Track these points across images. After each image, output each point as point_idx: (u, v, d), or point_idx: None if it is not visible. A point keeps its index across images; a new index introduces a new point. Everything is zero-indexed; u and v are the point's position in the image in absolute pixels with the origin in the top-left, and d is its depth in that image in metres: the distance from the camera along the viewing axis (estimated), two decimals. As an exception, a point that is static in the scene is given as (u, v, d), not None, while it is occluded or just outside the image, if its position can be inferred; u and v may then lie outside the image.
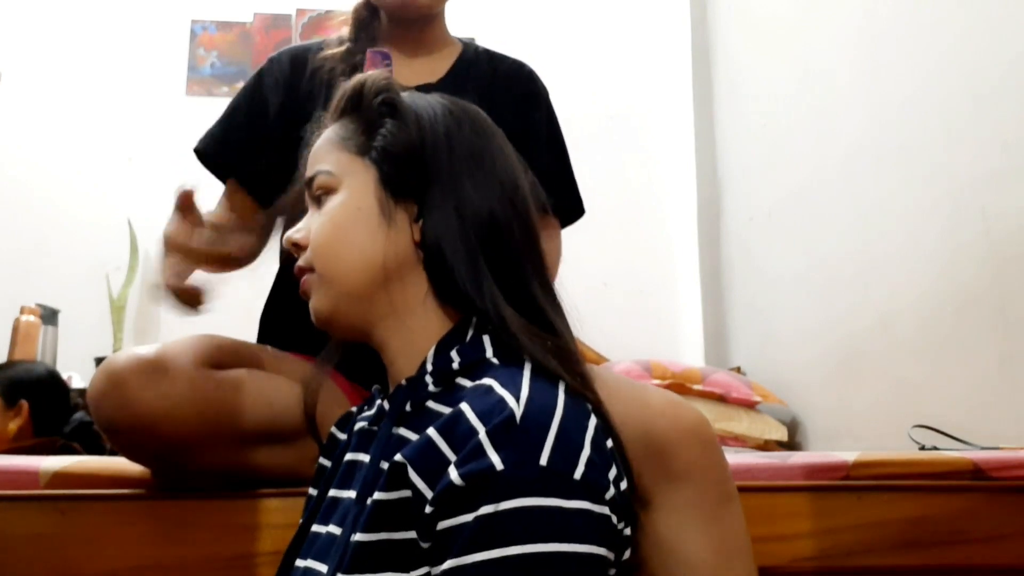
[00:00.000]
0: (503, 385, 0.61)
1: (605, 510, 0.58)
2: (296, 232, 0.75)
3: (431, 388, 0.67)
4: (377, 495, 0.61)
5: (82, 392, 2.33)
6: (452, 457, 0.58)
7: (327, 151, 0.75)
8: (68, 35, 3.02)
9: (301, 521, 0.77)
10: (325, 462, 0.79)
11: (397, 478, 0.59)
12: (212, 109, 3.42)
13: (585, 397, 0.65)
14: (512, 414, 0.58)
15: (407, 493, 0.59)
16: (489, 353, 0.67)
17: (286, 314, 1.25)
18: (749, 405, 2.19)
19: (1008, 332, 1.50)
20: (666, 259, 2.95)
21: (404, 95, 0.76)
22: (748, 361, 2.55)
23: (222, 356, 0.99)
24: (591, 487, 0.58)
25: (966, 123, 1.63)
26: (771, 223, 2.47)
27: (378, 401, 0.74)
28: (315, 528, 0.72)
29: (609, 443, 0.63)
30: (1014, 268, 1.48)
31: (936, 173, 1.71)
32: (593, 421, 0.62)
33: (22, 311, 2.51)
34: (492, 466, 0.56)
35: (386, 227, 0.70)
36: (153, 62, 3.06)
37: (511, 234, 0.71)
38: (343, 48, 1.29)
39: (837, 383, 2.07)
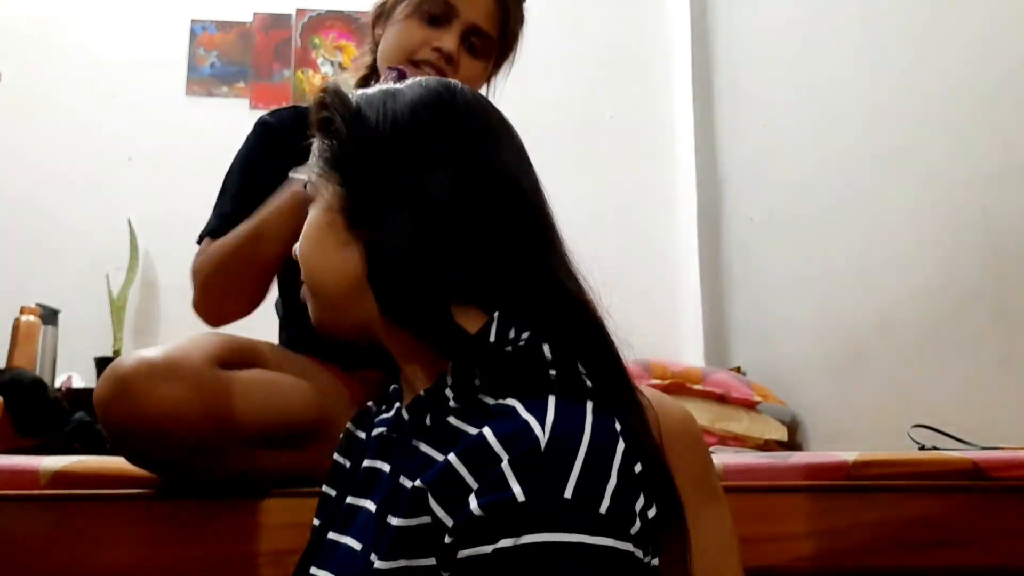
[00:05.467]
0: (528, 407, 0.59)
1: (629, 546, 0.55)
2: (298, 243, 0.76)
3: (452, 404, 0.64)
4: (397, 520, 0.59)
5: (80, 392, 2.33)
6: (473, 485, 0.55)
7: (314, 157, 0.74)
8: (68, 35, 3.02)
9: (317, 523, 0.75)
10: (341, 460, 0.78)
11: (417, 504, 0.58)
12: (212, 109, 3.42)
13: (612, 413, 0.61)
14: (537, 441, 0.56)
15: (427, 520, 0.57)
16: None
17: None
18: (749, 405, 2.19)
19: (1008, 332, 1.50)
20: (666, 259, 2.95)
21: (350, 92, 0.73)
22: (748, 361, 2.55)
23: (229, 355, 0.98)
24: (616, 522, 0.55)
25: (966, 123, 1.63)
26: (771, 223, 2.47)
27: (396, 404, 0.73)
28: (333, 536, 0.70)
29: (637, 467, 0.60)
30: (1014, 268, 1.48)
31: (936, 173, 1.71)
32: (621, 445, 0.59)
33: (22, 311, 2.51)
34: (513, 497, 0.53)
35: (356, 240, 0.69)
36: (153, 62, 3.05)
37: (480, 220, 0.67)
38: None
39: (837, 383, 2.07)
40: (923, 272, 1.72)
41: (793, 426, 2.24)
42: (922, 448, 1.33)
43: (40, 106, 2.94)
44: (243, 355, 1.02)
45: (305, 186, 0.75)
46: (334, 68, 3.16)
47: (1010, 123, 1.51)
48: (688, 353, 2.72)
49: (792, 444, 2.19)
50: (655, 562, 0.60)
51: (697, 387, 2.19)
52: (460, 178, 0.68)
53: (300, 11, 3.19)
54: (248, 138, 1.30)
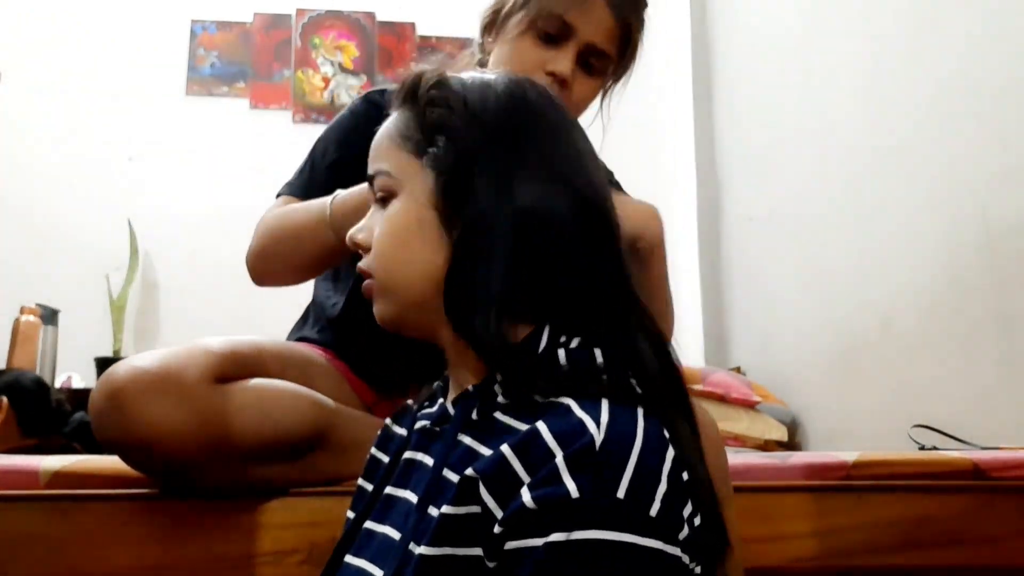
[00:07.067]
0: (583, 407, 0.59)
1: (677, 551, 0.56)
2: (358, 232, 0.75)
3: (500, 400, 0.65)
4: (445, 508, 0.59)
5: (80, 392, 2.33)
6: (526, 478, 0.56)
7: (388, 148, 0.73)
8: (68, 35, 3.02)
9: (352, 514, 0.75)
10: (379, 454, 0.78)
11: (467, 493, 0.58)
12: (212, 109, 3.41)
13: (661, 423, 0.62)
14: (592, 440, 0.56)
15: (476, 509, 0.58)
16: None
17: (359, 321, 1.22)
18: (749, 405, 2.19)
19: (1008, 332, 1.50)
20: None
21: (458, 86, 0.72)
22: (748, 361, 2.55)
23: (225, 365, 0.96)
24: (666, 526, 0.56)
25: (966, 123, 1.63)
26: (771, 223, 2.47)
27: (440, 400, 0.73)
28: (370, 525, 0.70)
29: (685, 475, 0.60)
30: (1014, 268, 1.48)
31: (936, 173, 1.71)
32: (671, 452, 0.60)
33: (22, 311, 2.51)
34: (568, 493, 0.54)
35: (447, 238, 0.68)
36: (153, 62, 3.06)
37: (566, 232, 0.67)
38: None
39: (837, 383, 2.07)
40: (923, 272, 1.72)
41: (793, 426, 2.24)
42: (922, 448, 1.33)
43: (40, 106, 2.94)
44: (243, 363, 0.99)
45: (373, 179, 0.74)
46: (334, 68, 3.16)
47: (1010, 123, 1.51)
48: (688, 353, 2.72)
49: (792, 444, 2.19)
50: (699, 569, 0.60)
51: (697, 387, 2.18)
52: (554, 192, 0.68)
53: (300, 11, 3.19)
54: (353, 110, 1.24)
